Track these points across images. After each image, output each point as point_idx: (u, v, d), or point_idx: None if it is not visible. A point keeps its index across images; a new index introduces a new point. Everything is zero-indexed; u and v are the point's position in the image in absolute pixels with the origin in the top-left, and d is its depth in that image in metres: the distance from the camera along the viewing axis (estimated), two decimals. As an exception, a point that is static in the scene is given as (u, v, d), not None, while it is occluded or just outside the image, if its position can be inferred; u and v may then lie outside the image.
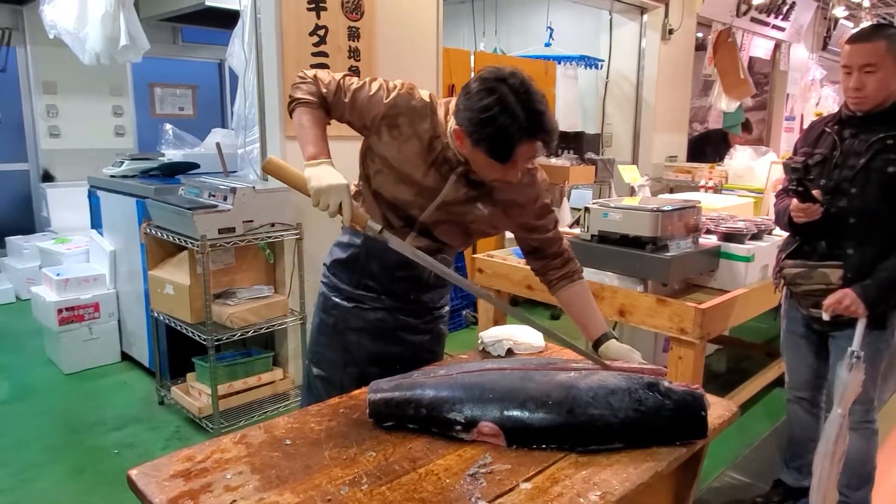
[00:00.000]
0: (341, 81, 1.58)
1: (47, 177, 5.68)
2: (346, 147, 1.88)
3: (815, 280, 2.14)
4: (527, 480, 1.18)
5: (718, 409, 1.45)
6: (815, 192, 2.06)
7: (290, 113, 1.57)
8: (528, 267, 1.82)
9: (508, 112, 1.35)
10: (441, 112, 1.56)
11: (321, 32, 3.21)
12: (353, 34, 3.35)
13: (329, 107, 1.57)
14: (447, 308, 1.86)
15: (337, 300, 1.78)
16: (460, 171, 1.54)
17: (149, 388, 3.49)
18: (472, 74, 4.67)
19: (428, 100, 1.57)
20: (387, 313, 1.74)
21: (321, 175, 1.43)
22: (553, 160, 4.96)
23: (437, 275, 1.70)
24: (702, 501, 2.53)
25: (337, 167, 1.48)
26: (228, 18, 3.66)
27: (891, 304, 2.09)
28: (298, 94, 1.55)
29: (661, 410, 1.30)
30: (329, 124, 1.60)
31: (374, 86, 1.57)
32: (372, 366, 1.73)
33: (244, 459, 1.23)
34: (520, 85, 1.37)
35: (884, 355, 2.16)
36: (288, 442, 1.30)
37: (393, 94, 1.55)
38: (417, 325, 1.77)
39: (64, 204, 5.35)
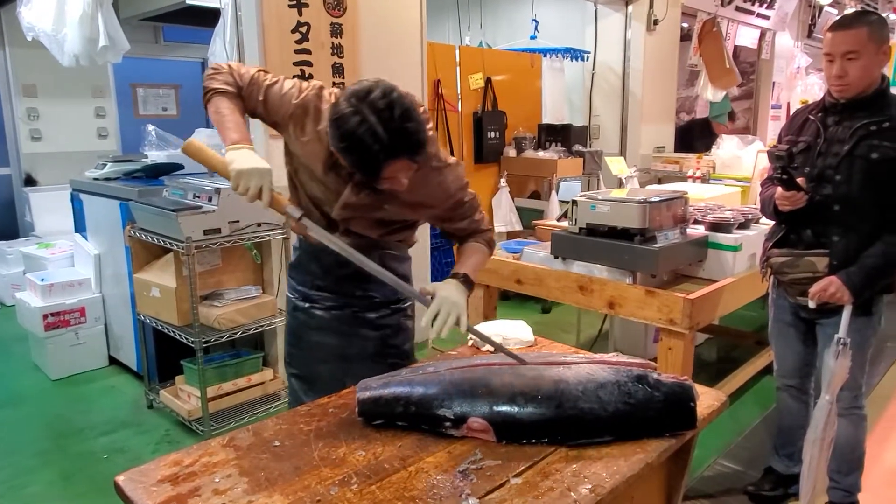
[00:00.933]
0: (256, 75, 1.61)
1: (30, 181, 5.61)
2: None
3: (801, 268, 2.15)
4: (517, 475, 1.18)
5: (708, 398, 1.45)
6: (800, 180, 2.06)
7: (206, 103, 1.57)
8: (515, 261, 1.83)
9: (370, 134, 1.33)
10: None
11: (303, 29, 3.19)
12: (336, 30, 3.32)
13: (243, 99, 1.59)
14: (407, 303, 1.83)
15: (296, 301, 1.82)
16: (357, 177, 1.54)
17: (137, 391, 3.46)
18: (458, 69, 4.69)
19: (334, 102, 1.55)
20: (341, 311, 1.76)
21: (243, 158, 1.44)
22: (541, 153, 4.96)
23: (382, 268, 1.68)
24: (694, 490, 2.55)
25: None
26: (209, 16, 3.62)
27: (876, 290, 2.10)
28: (215, 84, 1.56)
29: (650, 403, 1.30)
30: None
31: (287, 84, 1.60)
32: (339, 362, 1.75)
33: (233, 462, 1.22)
34: (380, 100, 1.34)
35: (870, 341, 2.17)
36: (277, 443, 1.29)
37: (303, 95, 1.58)
38: (373, 320, 1.77)
39: (47, 208, 5.28)
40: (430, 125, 1.56)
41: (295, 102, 1.58)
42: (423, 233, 4.00)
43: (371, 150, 1.35)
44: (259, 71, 1.63)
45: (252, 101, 1.60)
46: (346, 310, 1.75)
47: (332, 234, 1.55)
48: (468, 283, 1.63)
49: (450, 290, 1.56)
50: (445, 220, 1.72)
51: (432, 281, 4.25)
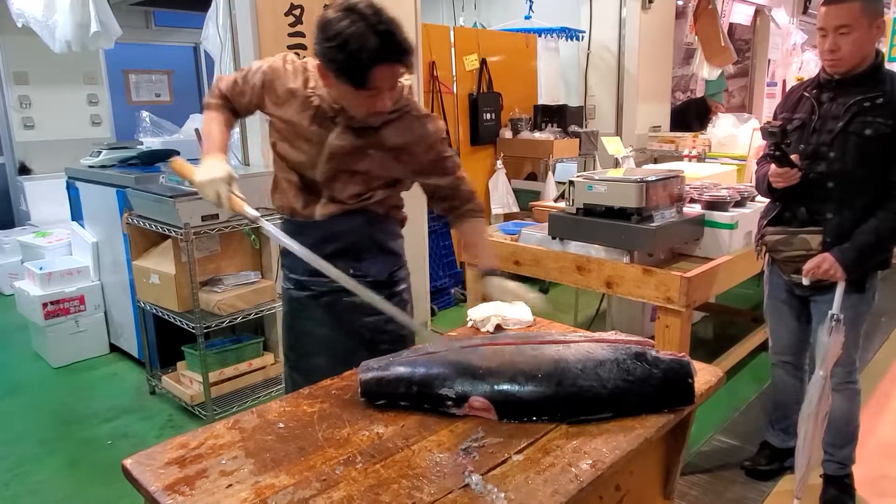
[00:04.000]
0: (237, 76, 1.70)
1: (24, 169, 5.57)
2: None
3: (795, 246, 2.16)
4: (518, 452, 1.20)
5: (705, 375, 1.47)
6: (794, 157, 2.07)
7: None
8: (512, 242, 1.86)
9: (359, 36, 1.38)
10: (311, 66, 1.63)
11: (297, 12, 3.16)
12: (330, 13, 3.29)
13: (233, 104, 1.69)
14: (403, 286, 1.82)
15: (291, 292, 1.83)
16: (340, 120, 1.59)
17: (139, 378, 3.48)
18: (453, 50, 4.66)
19: (302, 59, 1.66)
20: (335, 296, 1.73)
21: (203, 170, 1.54)
22: (537, 134, 4.95)
23: (372, 242, 1.74)
24: (691, 465, 2.59)
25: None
26: (201, 0, 3.58)
27: (869, 266, 2.11)
28: (206, 100, 1.70)
29: (649, 379, 1.32)
30: (237, 119, 1.74)
31: (255, 63, 1.69)
32: (334, 353, 1.75)
33: (238, 444, 1.24)
34: (367, 8, 1.40)
35: (864, 317, 2.19)
36: (281, 425, 1.31)
37: (267, 64, 1.66)
38: (367, 304, 1.70)
39: (43, 197, 5.26)
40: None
41: (263, 70, 1.65)
42: (420, 216, 4.00)
43: (361, 49, 1.38)
44: (246, 69, 1.71)
45: (240, 99, 1.69)
46: (338, 294, 1.71)
47: (289, 238, 1.59)
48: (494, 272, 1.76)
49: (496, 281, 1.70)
50: (428, 173, 1.72)
51: (431, 264, 4.26)
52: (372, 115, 1.55)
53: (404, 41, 1.42)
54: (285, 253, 1.82)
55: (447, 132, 4.61)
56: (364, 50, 1.38)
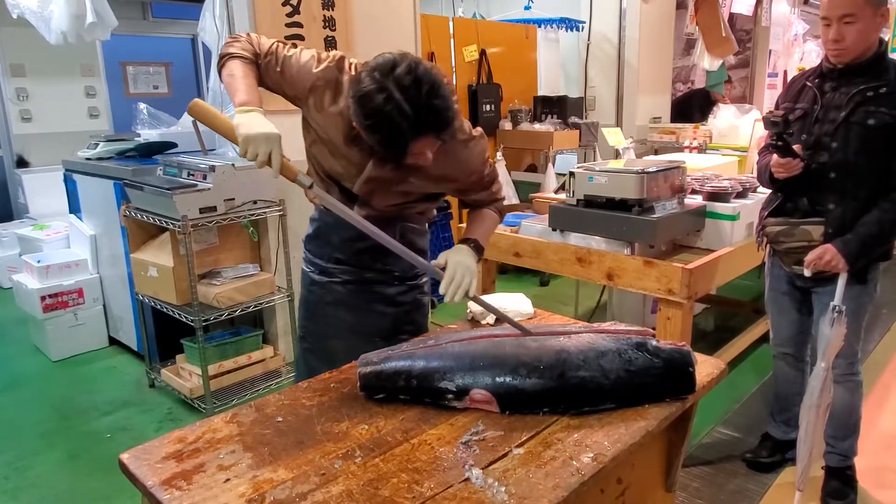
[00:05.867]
0: (272, 47, 1.56)
1: (22, 162, 5.55)
2: (284, 120, 1.79)
3: (797, 237, 2.14)
4: (519, 446, 1.19)
5: (707, 366, 1.46)
6: (796, 147, 2.05)
7: (220, 69, 1.52)
8: (512, 234, 1.85)
9: (397, 112, 1.30)
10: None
11: (294, 2, 3.13)
12: (328, 3, 3.26)
13: (260, 70, 1.54)
14: (425, 279, 1.83)
15: (313, 276, 1.79)
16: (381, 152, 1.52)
17: (139, 371, 3.48)
18: (452, 41, 4.63)
19: (355, 76, 1.52)
20: (359, 286, 1.74)
21: (250, 122, 1.36)
22: (537, 125, 4.93)
23: (402, 241, 1.67)
24: (693, 457, 2.58)
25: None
26: (198, -9, 3.55)
27: (871, 257, 2.10)
28: (232, 50, 1.52)
29: (650, 369, 1.31)
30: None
31: (305, 55, 1.55)
32: (354, 338, 1.73)
33: (236, 438, 1.23)
34: (406, 75, 1.31)
35: (866, 309, 2.18)
36: (279, 419, 1.30)
37: (322, 66, 1.53)
38: (392, 296, 1.76)
39: (40, 189, 5.24)
40: (456, 97, 1.52)
41: (315, 72, 1.52)
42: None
43: (398, 128, 1.31)
44: (277, 42, 1.57)
45: (270, 73, 1.55)
46: (363, 285, 1.74)
47: (345, 206, 1.50)
48: (479, 249, 1.62)
49: (461, 255, 1.55)
50: (466, 191, 1.72)
51: (431, 256, 4.24)
52: (412, 164, 1.49)
53: (443, 111, 1.34)
54: (314, 237, 1.78)
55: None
56: (401, 129, 1.31)
